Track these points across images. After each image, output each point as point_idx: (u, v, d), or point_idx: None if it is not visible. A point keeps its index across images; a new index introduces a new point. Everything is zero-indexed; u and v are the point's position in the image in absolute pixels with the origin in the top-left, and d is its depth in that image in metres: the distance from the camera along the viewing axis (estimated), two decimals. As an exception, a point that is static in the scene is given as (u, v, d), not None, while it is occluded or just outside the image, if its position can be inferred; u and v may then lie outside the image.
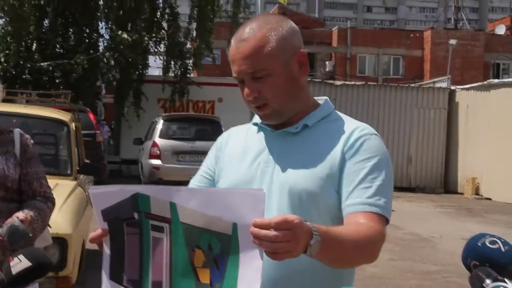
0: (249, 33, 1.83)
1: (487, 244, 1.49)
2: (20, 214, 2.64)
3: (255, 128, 2.00)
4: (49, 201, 2.91)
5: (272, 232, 1.39)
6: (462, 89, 19.73)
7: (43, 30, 18.74)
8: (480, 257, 1.48)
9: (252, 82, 1.82)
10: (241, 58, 1.82)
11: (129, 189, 1.57)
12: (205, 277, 1.48)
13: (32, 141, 2.97)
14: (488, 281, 1.41)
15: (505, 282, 1.39)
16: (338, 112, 1.99)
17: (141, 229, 1.57)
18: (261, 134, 1.96)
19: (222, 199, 1.46)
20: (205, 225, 1.47)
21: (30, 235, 2.61)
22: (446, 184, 19.47)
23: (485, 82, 18.80)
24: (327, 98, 2.03)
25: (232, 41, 1.87)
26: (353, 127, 1.89)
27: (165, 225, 1.53)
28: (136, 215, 1.57)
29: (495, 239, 1.50)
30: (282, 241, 1.40)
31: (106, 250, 1.64)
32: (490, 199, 17.35)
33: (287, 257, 1.44)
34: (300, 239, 1.43)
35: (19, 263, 1.90)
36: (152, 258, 1.57)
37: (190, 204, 1.48)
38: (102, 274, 1.65)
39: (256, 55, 1.80)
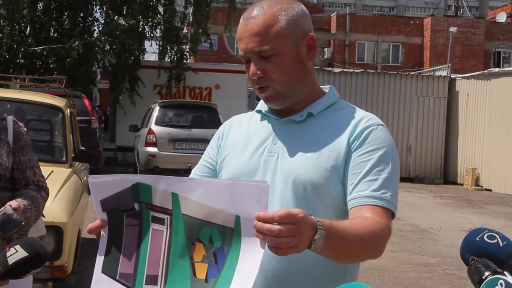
0: (258, 11, 1.80)
1: (486, 239, 1.46)
2: (13, 203, 2.57)
3: (259, 116, 1.96)
4: (43, 190, 2.85)
5: (276, 226, 1.37)
6: (462, 77, 19.62)
7: (37, 13, 18.54)
8: (478, 252, 1.46)
9: (259, 61, 1.78)
10: (249, 36, 1.78)
11: (130, 179, 1.54)
12: (201, 272, 1.45)
13: (25, 129, 2.90)
14: (487, 273, 1.40)
15: (504, 274, 1.37)
16: (343, 101, 1.95)
17: (141, 220, 1.55)
18: (265, 122, 1.93)
19: (226, 190, 1.43)
20: (207, 217, 1.45)
21: (23, 223, 2.54)
22: (446, 175, 19.40)
23: (485, 71, 18.68)
24: (332, 86, 1.98)
25: (241, 20, 1.83)
26: (359, 117, 1.84)
27: (166, 217, 1.51)
28: (136, 206, 1.54)
29: (493, 234, 1.47)
30: (286, 236, 1.37)
31: (104, 241, 1.60)
32: (490, 190, 17.28)
33: (291, 252, 1.41)
34: (304, 233, 1.41)
35: (15, 253, 1.91)
36: (149, 251, 1.53)
37: (193, 195, 1.46)
38: (95, 266, 1.60)
39: (264, 33, 1.77)
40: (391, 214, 1.74)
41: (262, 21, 1.77)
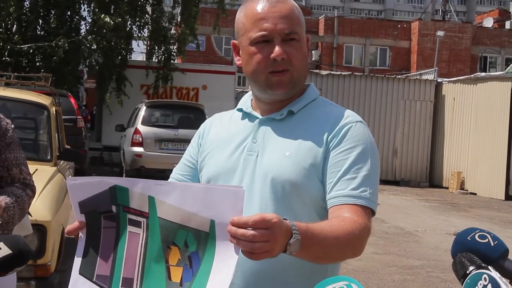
0: None
1: (477, 238, 1.48)
2: None
3: (239, 114, 1.96)
4: (28, 188, 2.79)
5: (250, 231, 1.36)
6: (449, 81, 19.71)
7: (24, 11, 18.40)
8: (469, 251, 1.47)
9: (283, 43, 1.79)
10: (279, 17, 1.79)
11: (108, 181, 1.54)
12: (176, 275, 1.46)
13: (12, 126, 2.82)
14: (471, 268, 1.41)
15: (488, 269, 1.38)
16: (323, 98, 1.96)
17: (118, 223, 1.55)
18: (246, 120, 1.93)
19: (201, 195, 1.43)
20: (182, 221, 1.45)
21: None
22: (431, 178, 19.47)
23: (471, 76, 18.78)
24: (312, 83, 2.00)
25: (260, 2, 1.82)
26: (338, 114, 1.84)
27: (142, 220, 1.51)
28: (114, 208, 1.54)
29: (484, 233, 1.49)
30: (260, 241, 1.37)
31: (82, 242, 1.61)
32: (475, 194, 17.36)
33: (265, 257, 1.41)
34: (278, 238, 1.40)
35: None
36: (125, 254, 1.54)
37: (169, 199, 1.46)
38: (73, 268, 1.61)
39: (292, 17, 1.81)
40: (371, 212, 1.74)
41: (289, 6, 1.82)
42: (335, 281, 1.31)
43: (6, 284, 2.53)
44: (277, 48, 1.77)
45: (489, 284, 1.35)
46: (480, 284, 1.36)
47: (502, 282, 1.35)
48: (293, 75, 1.81)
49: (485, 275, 1.36)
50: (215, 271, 1.41)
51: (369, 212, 1.73)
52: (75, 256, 1.61)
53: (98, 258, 1.58)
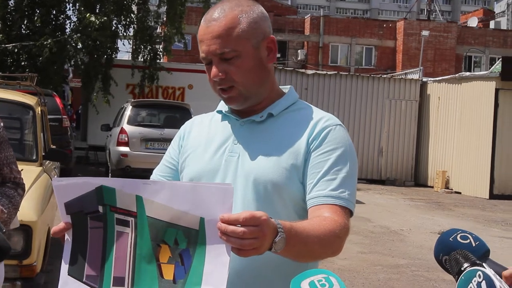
0: (220, 13, 1.81)
1: (459, 239, 1.50)
2: None
3: (219, 116, 1.98)
4: (19, 187, 2.80)
5: (239, 228, 1.39)
6: (434, 81, 19.81)
7: (9, 10, 18.26)
8: (451, 252, 1.49)
9: (220, 63, 1.80)
10: (211, 38, 1.79)
11: (94, 182, 1.53)
12: (168, 273, 1.46)
13: (1, 124, 2.83)
14: (466, 264, 1.43)
15: (483, 266, 1.40)
16: (302, 101, 1.98)
17: (105, 223, 1.54)
18: (226, 122, 1.95)
19: (190, 193, 1.44)
20: (171, 219, 1.45)
21: (4, 230, 2.45)
22: (417, 177, 19.58)
23: (456, 75, 18.88)
24: (292, 86, 2.01)
25: (202, 22, 1.85)
26: (318, 117, 1.88)
27: (130, 219, 1.51)
28: (100, 209, 1.54)
29: (466, 234, 1.51)
30: (249, 238, 1.40)
31: (68, 244, 1.60)
32: (459, 192, 17.46)
33: (253, 254, 1.43)
34: (267, 236, 1.43)
35: None
36: (115, 253, 1.53)
37: (157, 197, 1.47)
38: (61, 269, 1.60)
39: (226, 35, 1.78)
40: (349, 213, 1.78)
41: (224, 23, 1.79)
42: (314, 273, 1.33)
43: None
44: (213, 70, 1.81)
45: (483, 281, 1.37)
46: (475, 281, 1.38)
47: (496, 279, 1.37)
48: (240, 90, 1.83)
49: (479, 272, 1.38)
50: (208, 268, 1.42)
51: (348, 212, 1.77)
52: (62, 258, 1.61)
53: (87, 258, 1.57)
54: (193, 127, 2.04)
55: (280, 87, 1.99)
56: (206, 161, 1.90)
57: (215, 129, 1.96)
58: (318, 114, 1.90)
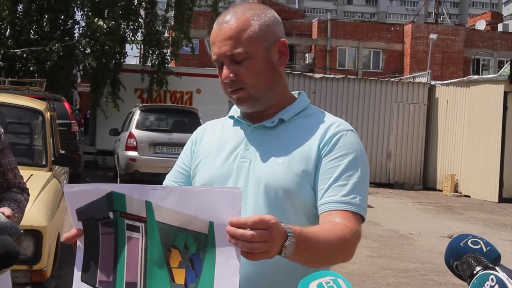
0: (232, 16, 1.83)
1: (469, 244, 1.48)
2: (5, 210, 2.50)
3: (231, 121, 1.99)
4: (25, 192, 2.81)
5: (248, 231, 1.39)
6: (442, 84, 19.76)
7: (17, 15, 18.33)
8: (462, 258, 1.48)
9: (231, 64, 1.81)
10: (222, 40, 1.80)
11: (104, 188, 1.54)
12: (180, 277, 1.47)
13: (2, 130, 2.82)
14: (478, 268, 1.41)
15: (495, 270, 1.38)
16: (314, 106, 1.98)
17: (116, 229, 1.56)
18: (237, 128, 1.95)
19: (199, 197, 1.45)
20: (181, 224, 1.46)
21: (21, 231, 2.47)
22: (425, 181, 19.51)
23: (464, 78, 18.82)
24: (303, 91, 2.01)
25: (215, 25, 1.86)
26: (329, 122, 1.87)
27: (140, 225, 1.52)
28: (111, 215, 1.55)
29: (477, 239, 1.49)
30: (258, 241, 1.40)
31: (80, 250, 1.61)
32: (468, 196, 17.40)
33: (263, 258, 1.43)
34: (276, 239, 1.43)
35: None
36: (127, 259, 1.55)
37: (166, 202, 1.47)
38: (74, 275, 1.61)
39: (237, 37, 1.80)
40: (361, 218, 1.78)
41: (235, 25, 1.80)
42: (322, 275, 1.32)
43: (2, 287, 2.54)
44: (224, 71, 1.82)
45: (496, 285, 1.36)
46: (487, 285, 1.36)
47: (510, 283, 1.35)
48: (250, 91, 1.83)
49: (492, 276, 1.37)
50: (219, 272, 1.43)
51: (359, 218, 1.77)
52: (75, 265, 1.62)
53: (99, 264, 1.59)
54: (205, 132, 2.04)
55: (291, 92, 1.99)
56: (217, 167, 1.91)
57: (227, 135, 1.96)
58: (329, 119, 1.89)
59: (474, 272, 1.41)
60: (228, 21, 1.82)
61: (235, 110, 1.97)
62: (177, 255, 1.47)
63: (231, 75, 1.81)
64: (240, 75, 1.81)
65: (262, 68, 1.83)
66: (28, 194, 2.85)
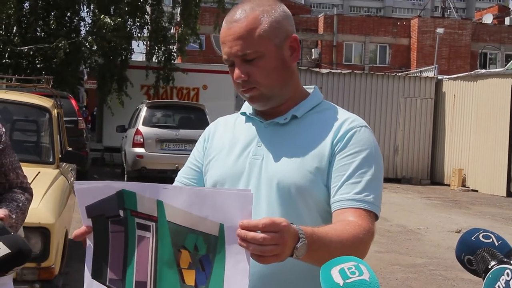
0: (241, 14, 1.79)
1: (481, 238, 1.46)
2: (0, 211, 2.47)
3: (243, 118, 1.96)
4: (27, 192, 2.77)
5: (259, 234, 1.37)
6: (449, 79, 19.70)
7: (24, 13, 18.37)
8: (474, 252, 1.46)
9: (243, 64, 1.78)
10: (233, 39, 1.77)
11: (115, 186, 1.54)
12: (190, 278, 1.46)
13: (3, 129, 2.78)
14: (493, 262, 1.39)
15: (510, 264, 1.36)
16: (327, 101, 1.95)
17: (126, 227, 1.55)
18: (250, 124, 1.93)
19: (210, 199, 1.43)
20: (191, 225, 1.45)
21: (11, 233, 2.46)
22: (433, 175, 19.47)
23: (471, 72, 18.77)
24: (316, 86, 1.98)
25: (224, 23, 1.82)
26: (342, 118, 1.84)
27: (151, 224, 1.51)
28: (121, 213, 1.54)
29: (488, 233, 1.47)
30: (270, 244, 1.37)
31: (90, 248, 1.61)
32: (476, 190, 17.35)
33: (274, 261, 1.41)
34: (287, 242, 1.41)
35: None
36: (137, 257, 1.54)
37: (177, 202, 1.46)
38: (85, 272, 1.61)
39: (248, 36, 1.76)
40: (374, 216, 1.75)
41: (245, 24, 1.77)
42: (344, 261, 1.31)
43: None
44: (236, 71, 1.79)
45: None
46: (503, 280, 1.34)
47: None
48: (261, 91, 1.80)
49: (507, 270, 1.35)
50: (228, 274, 1.41)
51: (373, 216, 1.74)
52: (85, 262, 1.61)
53: (109, 262, 1.58)
54: (217, 129, 2.02)
55: (304, 87, 1.96)
56: (230, 164, 1.88)
57: (240, 131, 1.94)
58: (343, 115, 1.86)
59: (489, 267, 1.39)
60: (238, 19, 1.78)
61: (247, 107, 1.95)
62: (187, 256, 1.46)
63: (243, 75, 1.78)
64: (252, 74, 1.78)
65: (274, 66, 1.79)
66: (31, 194, 2.82)
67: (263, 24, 1.77)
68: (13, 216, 2.57)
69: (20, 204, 2.66)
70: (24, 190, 2.76)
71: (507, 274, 1.34)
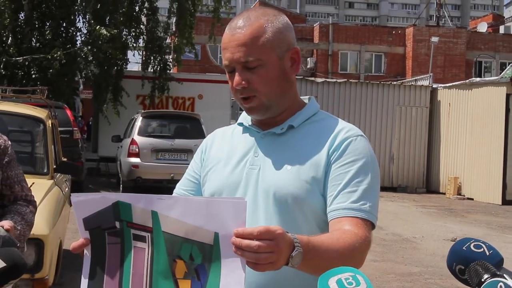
0: (245, 21, 1.80)
1: (472, 248, 1.47)
2: (5, 223, 2.51)
3: (241, 129, 1.97)
4: (31, 204, 2.82)
5: (254, 242, 1.37)
6: (444, 87, 19.73)
7: (19, 23, 18.34)
8: (465, 261, 1.47)
9: (244, 71, 1.78)
10: (236, 46, 1.78)
11: (111, 197, 1.55)
12: None
13: (9, 142, 2.83)
14: (486, 276, 1.39)
15: (504, 277, 1.37)
16: (323, 111, 1.96)
17: (122, 239, 1.56)
18: (247, 135, 1.94)
19: (204, 208, 1.44)
20: (186, 234, 1.46)
21: (18, 245, 2.47)
22: (428, 184, 19.47)
23: (466, 81, 18.79)
24: (313, 97, 2.01)
25: (227, 29, 1.83)
26: (338, 128, 1.85)
27: (146, 235, 1.52)
28: (117, 224, 1.55)
29: (479, 243, 1.48)
30: (265, 252, 1.38)
31: (87, 259, 1.61)
32: (472, 199, 17.35)
33: (269, 269, 1.41)
34: (282, 250, 1.41)
35: None
36: (133, 269, 1.55)
37: (172, 212, 1.47)
38: (81, 283, 1.62)
39: (251, 43, 1.77)
40: (371, 225, 1.75)
41: (250, 31, 1.78)
42: (341, 271, 1.31)
43: None
44: (236, 78, 1.80)
45: None
46: None
47: None
48: (261, 100, 1.81)
49: (500, 283, 1.35)
50: (224, 284, 1.42)
51: (369, 225, 1.75)
52: (82, 273, 1.62)
53: (105, 275, 1.59)
54: (214, 140, 2.03)
55: (301, 97, 1.97)
56: (227, 175, 1.89)
57: (237, 142, 1.95)
58: (339, 125, 1.88)
59: (482, 280, 1.39)
60: (242, 26, 1.79)
61: (244, 117, 1.96)
62: (183, 266, 1.47)
63: (243, 82, 1.79)
64: (252, 82, 1.79)
65: (274, 76, 1.81)
66: (35, 207, 2.85)
67: (267, 33, 1.79)
68: (18, 228, 2.58)
69: (25, 217, 2.70)
70: (28, 202, 2.80)
71: (500, 287, 1.35)
